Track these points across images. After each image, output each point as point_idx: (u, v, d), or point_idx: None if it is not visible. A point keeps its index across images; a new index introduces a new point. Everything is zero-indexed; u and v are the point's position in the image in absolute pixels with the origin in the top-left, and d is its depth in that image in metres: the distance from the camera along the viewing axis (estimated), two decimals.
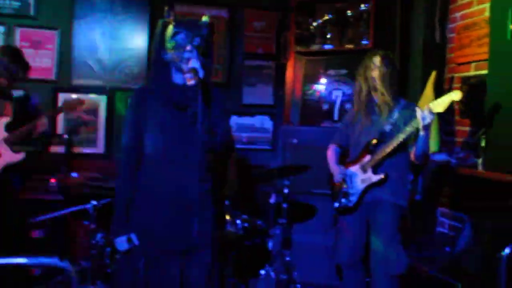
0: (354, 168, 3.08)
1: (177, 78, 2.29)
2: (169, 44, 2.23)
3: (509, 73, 2.79)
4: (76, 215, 3.12)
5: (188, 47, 2.18)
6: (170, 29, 2.24)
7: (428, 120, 2.70)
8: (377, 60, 3.00)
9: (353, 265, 3.12)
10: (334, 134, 3.39)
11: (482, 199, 3.38)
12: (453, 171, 3.60)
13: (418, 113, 2.72)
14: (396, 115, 2.99)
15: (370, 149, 3.02)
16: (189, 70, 2.13)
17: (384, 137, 2.96)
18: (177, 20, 2.28)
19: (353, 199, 3.06)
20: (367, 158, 3.01)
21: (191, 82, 2.12)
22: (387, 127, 2.97)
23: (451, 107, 3.79)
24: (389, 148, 2.90)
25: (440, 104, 2.68)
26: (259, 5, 4.92)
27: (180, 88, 2.25)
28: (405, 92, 4.04)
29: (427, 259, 3.22)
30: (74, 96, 4.07)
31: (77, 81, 4.45)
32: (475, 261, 2.92)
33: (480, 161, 3.24)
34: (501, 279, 1.92)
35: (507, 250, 1.96)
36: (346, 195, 3.10)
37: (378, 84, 2.96)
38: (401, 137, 2.83)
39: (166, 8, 2.34)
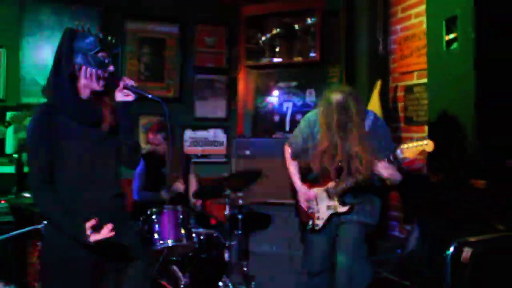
0: (319, 192, 3.02)
1: (84, 92, 2.16)
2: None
3: (446, 81, 2.89)
4: (28, 236, 2.99)
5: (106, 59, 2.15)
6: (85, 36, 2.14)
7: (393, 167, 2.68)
8: (339, 99, 2.84)
9: (321, 275, 3.12)
10: (290, 137, 3.30)
11: (427, 202, 3.48)
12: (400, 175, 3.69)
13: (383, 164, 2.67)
14: (365, 133, 2.87)
15: (336, 175, 2.94)
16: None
17: (351, 165, 2.87)
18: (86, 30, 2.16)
19: (320, 222, 3.03)
20: (332, 184, 2.96)
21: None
22: (356, 151, 2.83)
23: (396, 114, 3.91)
24: (356, 181, 2.85)
25: (411, 152, 2.59)
26: (209, 21, 4.95)
27: (89, 103, 2.15)
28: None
29: (380, 262, 3.25)
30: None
31: (26, 99, 4.30)
32: (423, 261, 2.99)
33: (424, 165, 3.34)
34: (446, 278, 1.98)
35: (451, 249, 2.01)
36: (313, 217, 3.06)
37: (352, 125, 2.82)
38: (369, 171, 2.76)
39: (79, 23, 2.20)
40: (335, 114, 2.81)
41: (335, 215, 2.97)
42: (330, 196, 2.97)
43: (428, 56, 3.16)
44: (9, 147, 4.23)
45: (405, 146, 2.61)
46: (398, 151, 2.63)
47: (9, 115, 4.20)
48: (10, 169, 4.14)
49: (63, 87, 2.08)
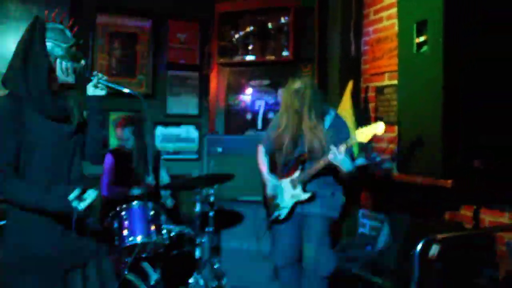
0: (284, 182, 3.11)
1: (54, 85, 2.10)
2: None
3: (416, 83, 2.95)
4: None
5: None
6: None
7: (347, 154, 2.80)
8: (297, 86, 2.99)
9: (288, 267, 3.18)
10: (260, 139, 3.38)
11: (397, 200, 3.55)
12: (371, 174, 3.76)
13: (342, 148, 2.77)
14: (325, 130, 2.99)
15: (299, 165, 3.05)
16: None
17: (312, 153, 2.98)
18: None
19: (284, 212, 3.11)
20: (296, 174, 3.05)
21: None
22: (315, 143, 2.97)
23: (367, 115, 3.97)
24: (316, 167, 2.94)
25: (364, 135, 2.74)
26: (182, 17, 4.90)
27: (58, 97, 2.10)
28: (325, 100, 4.16)
29: (351, 259, 3.33)
30: None
31: None
32: (393, 258, 3.05)
33: (394, 164, 3.41)
34: (414, 273, 2.04)
35: (419, 246, 2.07)
36: (277, 208, 3.14)
37: (304, 111, 2.96)
38: (328, 158, 2.84)
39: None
40: (293, 99, 2.96)
41: (298, 204, 3.05)
42: (294, 185, 3.05)
43: (399, 58, 3.21)
44: None
45: (357, 131, 2.75)
46: (352, 137, 2.77)
47: None
48: None
49: (36, 79, 1.99)
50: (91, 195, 2.02)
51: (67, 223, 2.02)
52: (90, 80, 2.20)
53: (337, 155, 2.77)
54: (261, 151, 3.32)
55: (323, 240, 3.03)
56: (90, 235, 2.24)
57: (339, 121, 3.08)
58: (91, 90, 2.21)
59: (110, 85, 2.22)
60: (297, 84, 3.00)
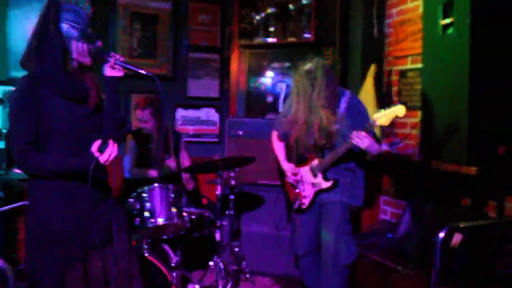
0: (304, 171, 3.07)
1: (72, 66, 2.09)
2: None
3: (441, 66, 2.90)
4: (18, 212, 2.97)
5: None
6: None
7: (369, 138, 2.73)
8: (308, 67, 2.92)
9: (308, 256, 3.17)
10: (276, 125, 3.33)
11: (419, 187, 3.51)
12: (393, 160, 3.72)
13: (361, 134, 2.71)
14: (341, 113, 2.93)
15: (318, 152, 3.01)
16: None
17: (330, 139, 2.93)
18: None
19: (306, 201, 3.08)
20: (316, 162, 3.01)
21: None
22: (332, 127, 2.90)
23: (389, 99, 3.92)
24: (336, 154, 2.89)
25: (384, 118, 2.69)
26: None
27: (76, 78, 2.10)
28: (346, 84, 4.13)
29: (371, 246, 3.30)
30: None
31: (15, 73, 4.23)
32: (414, 245, 3.02)
33: (417, 150, 3.36)
34: (436, 261, 2.01)
35: (442, 234, 2.04)
36: (299, 197, 3.12)
37: (316, 93, 2.87)
38: (347, 144, 2.81)
39: None
40: (304, 81, 2.88)
41: (320, 193, 3.02)
42: (314, 174, 3.01)
43: (423, 41, 3.15)
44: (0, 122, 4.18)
45: (378, 114, 2.70)
46: (372, 120, 2.71)
47: None
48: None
49: (51, 59, 2.00)
50: (111, 149, 2.03)
51: (87, 188, 2.02)
52: (107, 61, 2.18)
53: (361, 139, 2.70)
54: (275, 137, 3.28)
55: (343, 227, 3.00)
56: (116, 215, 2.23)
57: (355, 103, 3.01)
58: (108, 71, 2.20)
59: (127, 66, 2.20)
60: (307, 66, 2.91)
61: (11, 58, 4.23)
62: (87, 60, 2.12)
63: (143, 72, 2.18)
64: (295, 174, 3.12)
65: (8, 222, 3.74)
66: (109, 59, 2.17)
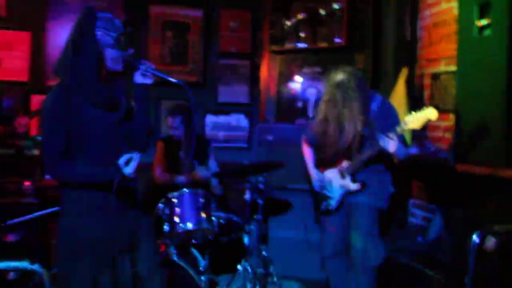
0: (332, 173, 3.07)
1: (104, 74, 2.13)
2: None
3: (476, 68, 2.83)
4: (52, 217, 3.03)
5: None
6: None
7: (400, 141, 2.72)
8: (339, 78, 2.91)
9: (335, 258, 3.18)
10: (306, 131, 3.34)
11: (451, 190, 3.42)
12: (423, 163, 3.65)
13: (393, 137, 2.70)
14: (372, 116, 2.93)
15: (347, 155, 2.99)
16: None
17: (359, 142, 2.92)
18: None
19: (333, 203, 3.09)
20: (345, 164, 3.00)
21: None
22: (362, 131, 2.90)
23: (422, 102, 3.84)
24: (365, 156, 2.89)
25: (415, 121, 2.67)
26: (233, 5, 4.93)
27: (107, 86, 2.14)
28: (378, 87, 4.08)
29: (401, 249, 3.27)
30: None
31: (52, 82, 4.36)
32: (446, 250, 2.96)
33: (450, 154, 3.29)
34: (470, 266, 1.95)
35: (475, 238, 1.98)
36: (326, 199, 3.12)
37: (347, 104, 2.86)
38: (377, 147, 2.79)
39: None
40: (335, 93, 2.88)
41: (348, 195, 3.02)
42: (342, 175, 3.01)
43: (458, 43, 3.09)
44: (33, 129, 4.30)
45: (409, 117, 2.67)
46: (403, 123, 2.69)
47: (33, 98, 4.27)
48: (34, 151, 4.21)
49: (87, 67, 2.04)
50: (135, 157, 2.07)
51: (116, 198, 2.06)
52: (138, 69, 2.21)
53: (389, 142, 2.69)
54: (305, 142, 3.30)
55: (372, 230, 3.00)
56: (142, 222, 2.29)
57: (386, 107, 3.00)
58: (138, 79, 2.22)
59: (157, 74, 2.23)
60: (339, 76, 2.90)
61: (49, 68, 4.35)
62: (119, 67, 2.14)
63: (173, 80, 2.21)
64: (320, 179, 3.14)
65: (44, 227, 3.82)
66: (141, 66, 2.20)
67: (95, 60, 2.06)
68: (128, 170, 2.06)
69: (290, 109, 4.70)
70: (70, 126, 2.04)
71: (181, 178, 3.75)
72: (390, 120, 2.89)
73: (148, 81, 2.24)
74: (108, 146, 2.14)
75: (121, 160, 2.06)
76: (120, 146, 2.17)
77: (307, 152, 3.30)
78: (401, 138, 2.78)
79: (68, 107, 2.03)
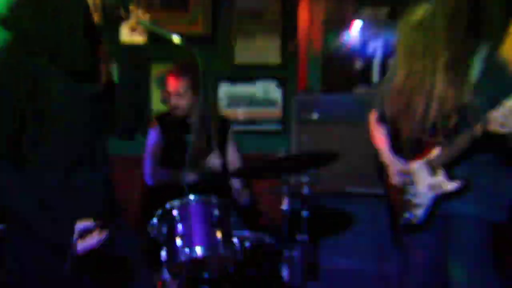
0: (418, 166, 3.00)
1: None
2: None
3: None
4: None
5: None
6: None
7: None
8: (421, 16, 2.89)
9: None
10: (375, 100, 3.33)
11: None
12: None
13: None
14: (475, 78, 2.84)
15: (440, 138, 2.91)
16: None
17: (459, 118, 2.84)
18: None
19: (421, 213, 3.02)
20: (436, 152, 2.92)
21: None
22: (462, 100, 2.82)
23: None
24: (467, 140, 2.78)
25: None
26: None
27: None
28: (480, 34, 3.93)
29: None
30: None
31: None
32: None
33: None
34: None
35: None
36: (410, 206, 3.06)
37: (434, 53, 2.83)
38: (485, 125, 2.68)
39: None
40: (415, 37, 2.89)
41: (442, 199, 2.95)
42: (433, 171, 2.94)
43: None
44: None
45: None
46: None
47: None
48: None
49: (46, 16, 2.06)
50: (97, 238, 2.13)
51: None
52: (123, 20, 2.24)
53: (507, 119, 2.59)
54: (375, 119, 3.27)
55: (481, 255, 2.92)
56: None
57: (496, 63, 2.89)
58: (125, 35, 2.25)
59: (153, 28, 2.27)
60: (420, 13, 2.89)
61: None
62: (96, 20, 2.18)
63: (176, 38, 2.25)
64: (405, 172, 3.06)
65: None
66: (128, 17, 2.23)
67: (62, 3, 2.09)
68: (80, 247, 2.09)
69: (345, 72, 4.73)
70: (26, 104, 2.04)
71: (189, 176, 3.75)
72: (503, 84, 2.81)
73: (139, 38, 2.27)
74: (79, 132, 2.18)
75: (80, 226, 2.10)
76: (97, 132, 2.24)
77: (379, 134, 3.24)
78: None
79: (23, 73, 2.04)
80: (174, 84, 3.84)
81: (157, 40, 2.35)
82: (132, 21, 2.23)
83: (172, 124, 3.90)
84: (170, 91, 3.87)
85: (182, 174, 3.75)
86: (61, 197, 2.14)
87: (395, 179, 3.12)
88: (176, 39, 2.27)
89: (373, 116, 3.29)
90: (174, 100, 3.86)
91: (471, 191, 2.87)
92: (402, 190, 3.11)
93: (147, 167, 3.89)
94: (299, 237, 3.44)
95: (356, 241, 3.90)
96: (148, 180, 3.89)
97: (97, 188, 2.25)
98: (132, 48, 2.28)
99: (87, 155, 2.21)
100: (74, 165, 2.16)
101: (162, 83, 4.01)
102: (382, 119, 3.23)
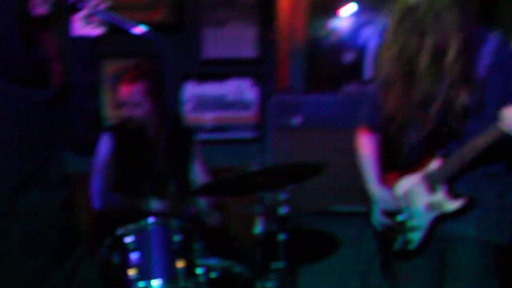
0: (413, 182, 3.06)
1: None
2: None
3: None
4: None
5: None
6: None
7: None
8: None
9: None
10: (363, 105, 3.33)
11: None
12: None
13: None
14: (482, 74, 2.89)
15: (440, 146, 2.97)
16: None
17: (461, 121, 2.89)
18: None
19: (416, 237, 3.07)
20: (436, 164, 2.98)
21: None
22: (468, 100, 2.86)
23: None
24: (472, 149, 2.82)
25: None
26: None
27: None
28: (491, 21, 4.01)
29: None
30: None
31: None
32: None
33: None
34: None
35: None
36: (404, 230, 3.11)
37: (431, 42, 2.83)
38: (494, 130, 2.73)
39: None
40: (408, 24, 2.88)
41: (441, 220, 2.99)
42: (433, 185, 2.99)
43: None
44: None
45: None
46: None
47: None
48: None
49: None
50: None
51: None
52: (78, 11, 2.25)
53: None
54: (364, 126, 3.28)
55: (485, 283, 2.97)
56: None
57: (506, 53, 2.95)
58: (79, 28, 2.27)
59: (112, 19, 2.27)
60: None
61: None
62: (41, 10, 2.18)
63: (140, 30, 2.24)
64: (393, 205, 3.12)
65: None
66: (81, 5, 2.24)
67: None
68: None
69: (331, 67, 4.74)
70: None
71: (152, 202, 3.77)
72: None
73: (95, 31, 2.30)
74: (27, 146, 2.20)
75: None
76: (47, 143, 2.25)
77: (367, 144, 3.27)
78: None
79: None
80: (126, 93, 3.79)
81: (113, 32, 2.36)
82: (86, 11, 2.24)
83: (126, 138, 3.87)
84: (122, 101, 3.81)
85: (141, 202, 3.76)
86: (4, 227, 2.14)
87: (380, 220, 3.19)
88: (139, 29, 2.25)
89: (360, 123, 3.29)
90: (127, 110, 3.82)
91: (475, 208, 2.92)
92: (393, 211, 3.15)
93: (95, 187, 3.84)
94: (275, 264, 3.47)
95: (340, 267, 3.96)
96: (96, 203, 3.84)
97: (51, 215, 2.24)
98: (81, 42, 2.29)
99: (37, 174, 2.21)
100: (19, 186, 2.16)
101: (115, 81, 3.93)
102: (374, 127, 3.23)
